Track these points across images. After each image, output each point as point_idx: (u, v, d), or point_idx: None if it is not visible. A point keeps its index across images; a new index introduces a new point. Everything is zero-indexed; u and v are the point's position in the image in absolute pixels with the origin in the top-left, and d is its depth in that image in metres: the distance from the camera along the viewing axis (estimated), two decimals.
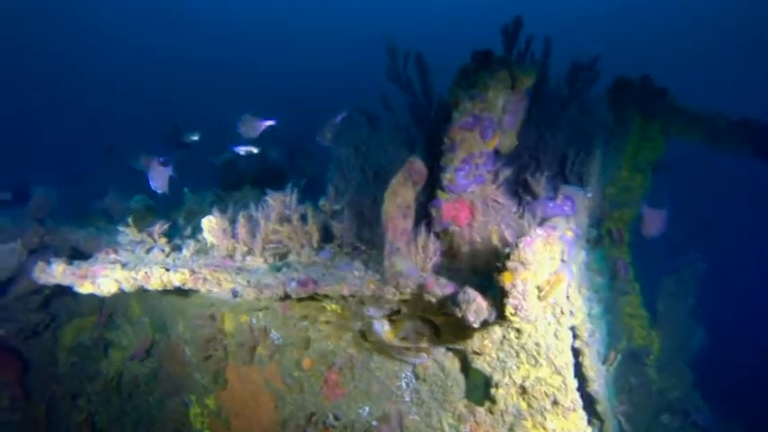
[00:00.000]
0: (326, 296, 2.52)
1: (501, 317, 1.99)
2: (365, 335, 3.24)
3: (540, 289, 2.03)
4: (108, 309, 4.61)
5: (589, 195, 3.45)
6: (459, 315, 2.09)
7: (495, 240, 2.42)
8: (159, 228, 3.40)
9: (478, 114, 2.75)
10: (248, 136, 4.31)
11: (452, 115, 2.80)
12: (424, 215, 2.92)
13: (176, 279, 2.59)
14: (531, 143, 3.60)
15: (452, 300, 2.14)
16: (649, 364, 5.13)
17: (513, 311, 1.91)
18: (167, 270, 2.62)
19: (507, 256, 1.94)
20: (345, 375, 3.27)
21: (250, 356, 3.65)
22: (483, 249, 2.55)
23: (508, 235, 2.37)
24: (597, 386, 3.17)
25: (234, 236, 3.18)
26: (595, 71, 3.87)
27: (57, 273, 2.62)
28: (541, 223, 2.88)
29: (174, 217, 4.87)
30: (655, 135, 4.45)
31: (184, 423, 4.18)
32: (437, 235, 2.93)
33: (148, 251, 3.08)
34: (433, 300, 2.29)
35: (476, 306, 2.04)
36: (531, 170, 3.58)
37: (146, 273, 2.61)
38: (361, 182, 3.24)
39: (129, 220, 3.45)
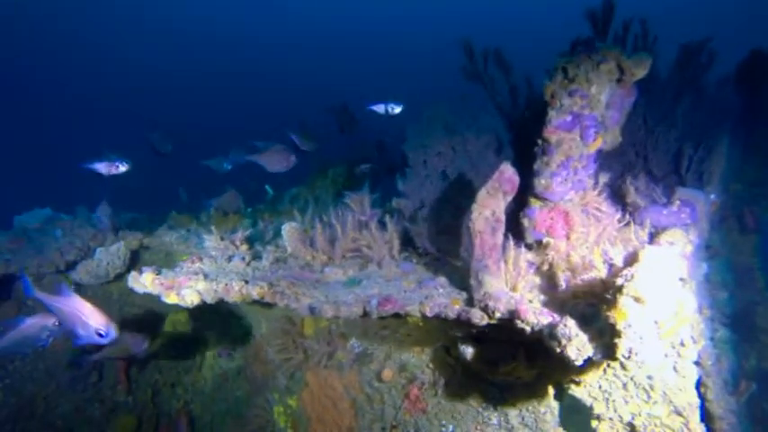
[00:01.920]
0: (408, 315, 2.35)
1: (611, 358, 1.69)
2: (449, 350, 3.05)
3: (659, 325, 1.70)
4: None
5: (712, 198, 2.96)
6: (558, 350, 1.83)
7: (598, 262, 2.10)
8: (241, 235, 3.43)
9: (578, 113, 2.41)
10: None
11: (547, 113, 2.48)
12: (512, 224, 2.64)
13: (255, 292, 2.55)
14: (639, 139, 3.15)
15: (549, 332, 1.87)
16: None
17: (627, 355, 1.61)
18: (246, 283, 2.60)
19: (620, 290, 1.64)
20: (428, 391, 3.11)
21: (329, 361, 3.61)
22: (584, 270, 2.23)
23: (614, 255, 2.04)
24: (726, 425, 2.71)
25: (312, 244, 3.12)
26: (710, 54, 3.31)
27: (147, 282, 2.69)
28: (654, 236, 2.49)
29: (258, 217, 4.98)
30: None
31: (269, 420, 4.27)
32: (529, 247, 2.65)
33: (230, 259, 3.10)
34: (527, 328, 2.04)
35: (578, 343, 1.76)
36: (636, 170, 3.15)
37: (226, 285, 2.60)
38: (443, 187, 3.01)
39: (213, 228, 3.51)
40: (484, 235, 2.25)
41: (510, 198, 2.31)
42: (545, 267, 2.52)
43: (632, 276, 1.61)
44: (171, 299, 2.65)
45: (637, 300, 1.58)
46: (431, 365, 3.13)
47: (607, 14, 2.87)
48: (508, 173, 2.27)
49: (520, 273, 2.35)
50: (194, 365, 5.05)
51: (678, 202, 2.72)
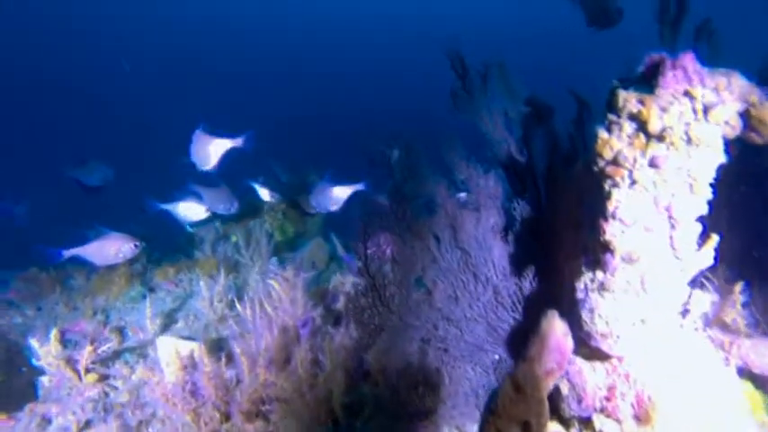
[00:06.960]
0: None
1: None
2: None
3: None
4: None
5: None
6: None
7: None
8: (88, 352, 2.13)
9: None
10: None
11: (608, 195, 1.33)
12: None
13: None
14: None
15: None
16: None
17: None
18: None
19: None
20: None
21: None
22: None
23: None
24: None
25: (195, 390, 1.85)
26: None
27: None
28: None
29: (158, 274, 3.57)
30: None
31: None
32: (565, 423, 1.52)
33: (49, 422, 1.79)
34: None
35: None
36: None
37: None
38: (413, 303, 1.78)
39: (53, 332, 2.16)
40: None
41: (555, 382, 1.16)
42: None
43: None
44: None
45: None
46: None
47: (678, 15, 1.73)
48: (555, 335, 1.11)
49: None
50: None
51: None
